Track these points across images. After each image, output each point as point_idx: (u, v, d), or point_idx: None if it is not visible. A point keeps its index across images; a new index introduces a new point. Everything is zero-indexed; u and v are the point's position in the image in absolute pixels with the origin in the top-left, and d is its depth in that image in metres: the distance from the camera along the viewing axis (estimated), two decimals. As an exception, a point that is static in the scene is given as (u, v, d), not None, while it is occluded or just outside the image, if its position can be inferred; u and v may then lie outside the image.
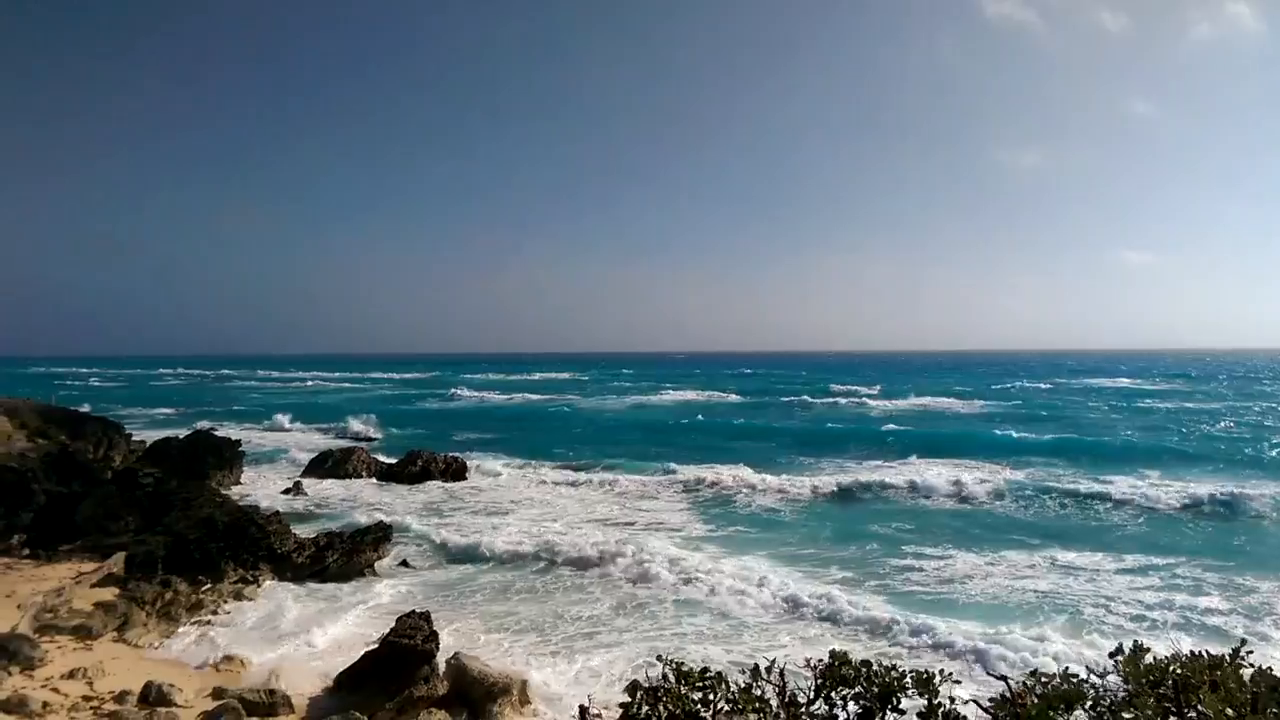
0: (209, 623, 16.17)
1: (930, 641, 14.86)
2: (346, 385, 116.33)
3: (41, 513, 21.56)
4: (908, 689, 3.81)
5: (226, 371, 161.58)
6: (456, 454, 36.69)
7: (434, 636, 13.28)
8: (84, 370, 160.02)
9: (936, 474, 34.12)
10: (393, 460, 36.40)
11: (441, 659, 13.00)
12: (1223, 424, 53.65)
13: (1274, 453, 38.82)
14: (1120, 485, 30.55)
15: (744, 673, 3.99)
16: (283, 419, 56.68)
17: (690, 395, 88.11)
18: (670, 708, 3.50)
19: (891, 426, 53.48)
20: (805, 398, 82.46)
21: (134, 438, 35.85)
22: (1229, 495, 27.83)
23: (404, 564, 20.81)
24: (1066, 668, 4.01)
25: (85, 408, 44.63)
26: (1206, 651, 3.77)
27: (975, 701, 3.82)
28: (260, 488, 31.79)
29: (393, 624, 13.74)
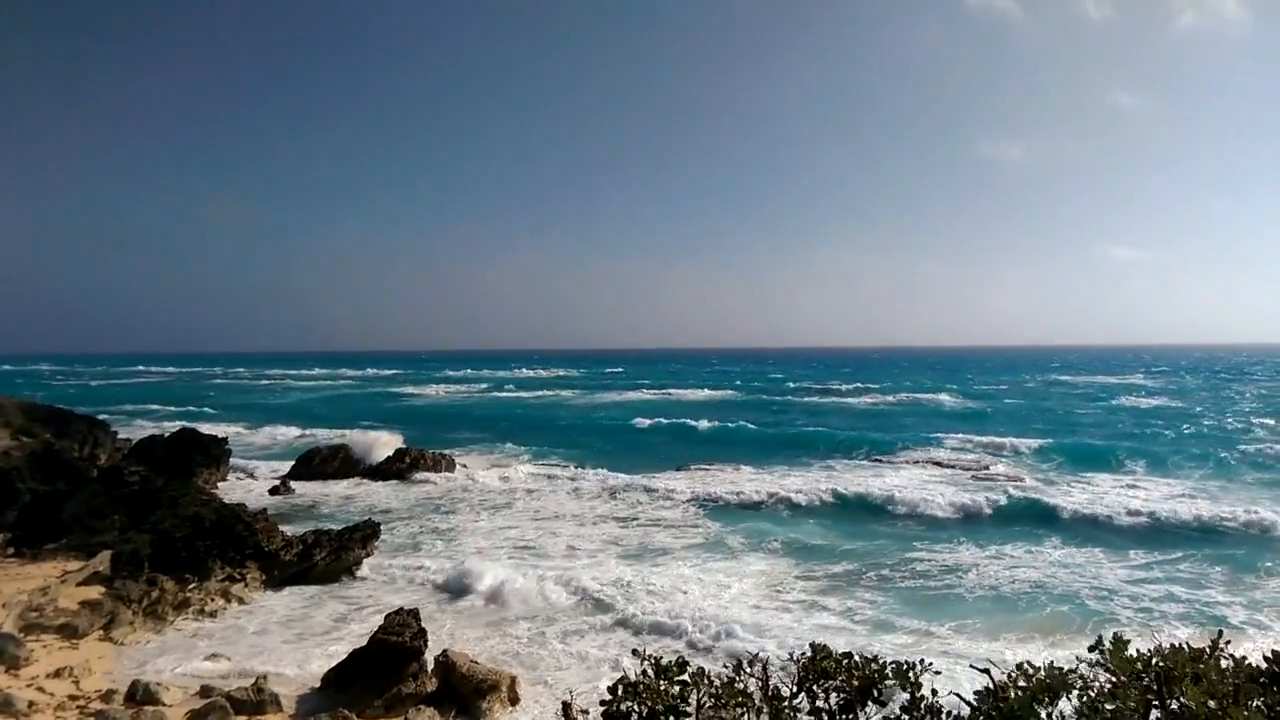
0: (196, 621, 16.10)
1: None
2: (332, 382, 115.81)
3: (26, 511, 21.38)
4: (888, 680, 3.80)
5: (211, 369, 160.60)
6: (445, 451, 36.56)
7: (422, 633, 13.23)
8: (56, 368, 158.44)
9: (925, 472, 34.30)
10: (380, 458, 36.22)
11: (430, 656, 12.97)
12: (1210, 421, 54.03)
13: (1258, 448, 39.10)
14: (1108, 482, 30.76)
15: (726, 667, 3.98)
16: (269, 418, 56.35)
17: (679, 393, 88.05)
18: (650, 703, 3.48)
19: (880, 425, 53.66)
20: (793, 396, 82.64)
21: (119, 435, 35.61)
22: (1216, 491, 28.06)
23: (392, 561, 20.70)
24: (1052, 661, 4.01)
25: (86, 409, 44.21)
26: (1187, 644, 3.78)
27: (957, 694, 3.81)
28: (247, 485, 31.65)
29: (380, 621, 13.70)
